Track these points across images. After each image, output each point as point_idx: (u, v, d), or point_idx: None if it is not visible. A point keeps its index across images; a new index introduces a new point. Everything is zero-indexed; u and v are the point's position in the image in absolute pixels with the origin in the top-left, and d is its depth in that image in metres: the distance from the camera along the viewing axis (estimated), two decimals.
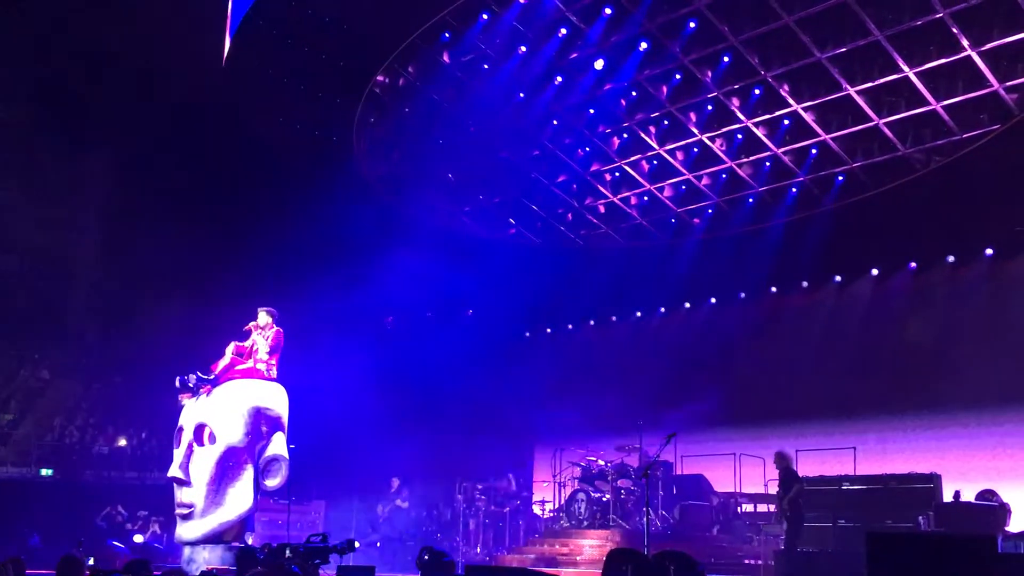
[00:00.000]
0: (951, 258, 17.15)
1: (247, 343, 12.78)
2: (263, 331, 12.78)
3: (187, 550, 12.05)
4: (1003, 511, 12.50)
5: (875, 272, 18.04)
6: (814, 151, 16.75)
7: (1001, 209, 15.55)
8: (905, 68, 14.43)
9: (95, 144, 17.84)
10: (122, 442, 20.45)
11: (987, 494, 12.85)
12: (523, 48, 15.82)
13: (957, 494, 13.41)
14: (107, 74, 16.65)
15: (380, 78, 16.58)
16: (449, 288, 20.61)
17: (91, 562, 7.91)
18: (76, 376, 21.71)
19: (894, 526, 12.73)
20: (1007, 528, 12.32)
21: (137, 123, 17.44)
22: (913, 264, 17.54)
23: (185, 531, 12.00)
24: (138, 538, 16.44)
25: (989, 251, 16.70)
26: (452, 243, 20.07)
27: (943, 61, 14.23)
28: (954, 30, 13.63)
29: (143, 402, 19.53)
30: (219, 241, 18.84)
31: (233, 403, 12.17)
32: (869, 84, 14.98)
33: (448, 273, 19.86)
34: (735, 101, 16.18)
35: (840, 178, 17.08)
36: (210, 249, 18.80)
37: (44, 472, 18.81)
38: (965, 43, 13.78)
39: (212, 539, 11.90)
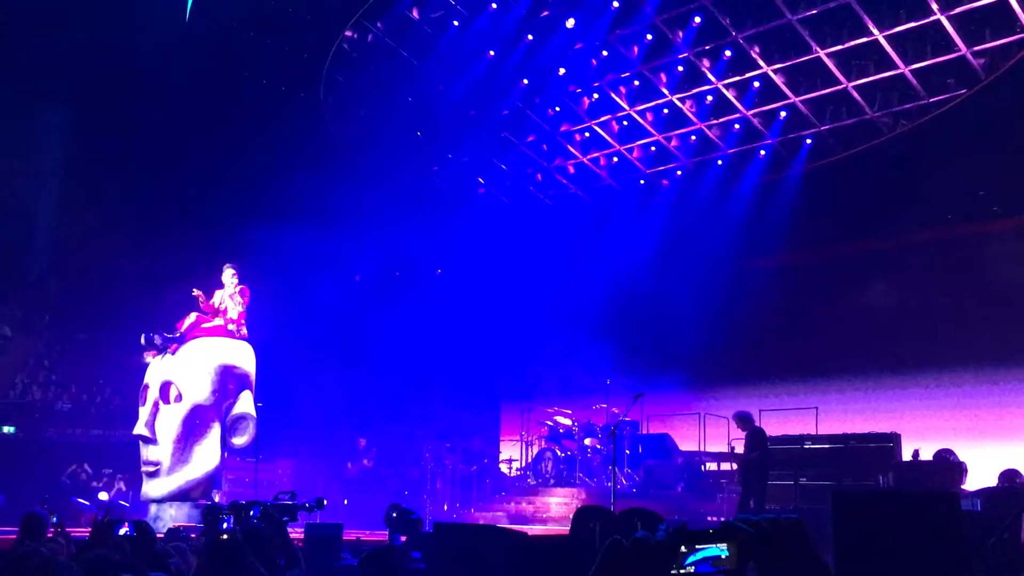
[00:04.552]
0: (915, 222, 17.31)
1: (213, 300, 12.66)
2: (229, 288, 12.64)
3: (153, 507, 12.01)
4: (959, 470, 12.76)
5: (839, 235, 18.18)
6: (783, 113, 16.79)
7: (965, 174, 15.71)
8: (875, 31, 14.46)
9: (54, 95, 17.40)
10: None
11: (944, 453, 13.10)
12: (494, 5, 15.63)
13: (916, 453, 13.68)
14: (67, 24, 16.19)
15: (348, 33, 16.31)
16: (417, 246, 20.50)
17: (55, 519, 7.84)
18: (38, 333, 21.38)
19: (854, 484, 12.97)
20: (963, 486, 12.59)
21: (97, 75, 17.00)
22: (877, 227, 17.69)
23: (151, 489, 11.96)
24: (103, 495, 16.33)
25: (951, 215, 16.88)
26: (420, 201, 19.93)
27: (912, 24, 14.27)
28: None
29: (107, 359, 19.29)
30: (183, 195, 18.51)
31: (200, 361, 12.08)
32: (839, 47, 14.99)
33: (417, 231, 19.73)
34: (706, 62, 16.14)
35: (808, 141, 17.16)
36: (174, 203, 18.48)
37: (7, 430, 18.56)
38: (934, 6, 13.82)
39: (178, 497, 11.88)
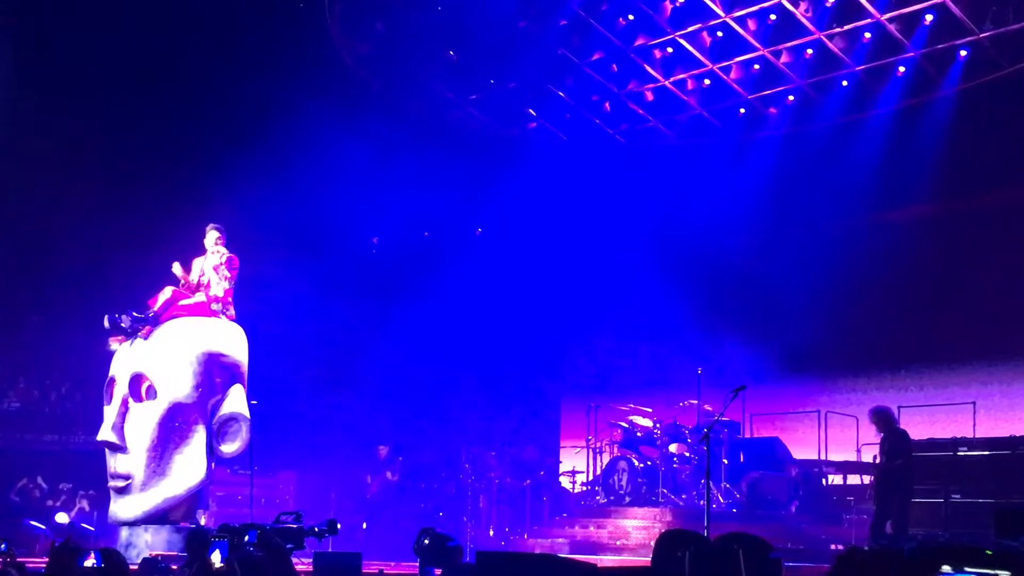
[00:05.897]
0: None
1: (192, 272, 12.81)
2: (212, 257, 12.76)
3: (124, 532, 12.24)
4: None
5: (1004, 176, 17.86)
6: (929, 17, 16.48)
7: None
8: None
9: None
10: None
11: None
12: None
13: None
14: None
15: None
16: (451, 199, 20.52)
17: (3, 547, 8.08)
18: None
19: None
20: None
21: None
22: None
23: (121, 508, 12.19)
24: (61, 517, 16.74)
25: None
26: (454, 141, 19.93)
27: None
28: None
29: (64, 345, 19.68)
30: (155, 139, 18.72)
31: (178, 348, 12.25)
32: None
33: (450, 179, 19.74)
34: None
35: (963, 53, 16.84)
36: (144, 149, 18.68)
37: None
38: None
39: (155, 518, 12.08)
